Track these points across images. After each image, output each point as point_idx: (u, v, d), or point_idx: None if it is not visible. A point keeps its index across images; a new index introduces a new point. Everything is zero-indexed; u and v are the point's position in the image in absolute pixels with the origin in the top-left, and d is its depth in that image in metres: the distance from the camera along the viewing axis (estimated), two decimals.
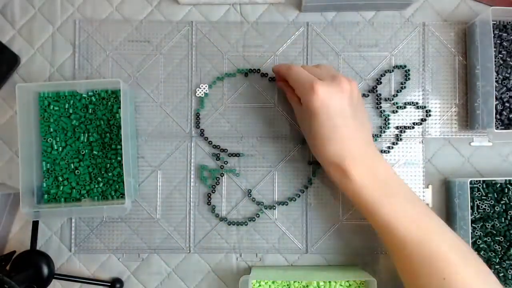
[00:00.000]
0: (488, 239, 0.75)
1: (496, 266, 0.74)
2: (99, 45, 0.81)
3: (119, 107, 0.75)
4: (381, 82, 0.80)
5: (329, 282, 0.74)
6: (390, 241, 0.65)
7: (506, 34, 0.76)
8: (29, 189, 0.74)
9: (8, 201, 0.77)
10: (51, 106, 0.76)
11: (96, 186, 0.76)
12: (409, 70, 0.80)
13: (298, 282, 0.74)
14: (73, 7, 0.81)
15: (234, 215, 0.80)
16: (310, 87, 0.63)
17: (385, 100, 0.80)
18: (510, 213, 0.75)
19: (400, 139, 0.80)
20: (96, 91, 0.77)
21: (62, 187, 0.76)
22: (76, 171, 0.76)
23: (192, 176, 0.80)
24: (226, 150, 0.80)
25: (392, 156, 0.80)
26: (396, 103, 0.80)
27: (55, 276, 0.76)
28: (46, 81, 0.81)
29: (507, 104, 0.75)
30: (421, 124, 0.80)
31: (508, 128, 0.75)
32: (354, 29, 0.81)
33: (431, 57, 0.81)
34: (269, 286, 0.74)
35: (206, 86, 0.80)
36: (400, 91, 0.80)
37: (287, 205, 0.79)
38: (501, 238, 0.74)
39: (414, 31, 0.81)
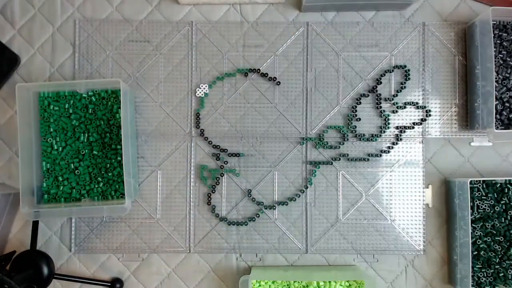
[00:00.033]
0: (488, 239, 0.75)
1: (496, 266, 0.74)
2: (99, 45, 0.81)
3: (119, 107, 0.75)
4: (381, 82, 0.80)
5: (329, 282, 0.74)
6: None
7: (506, 34, 0.76)
8: (29, 189, 0.74)
9: (8, 201, 0.77)
10: (51, 106, 0.76)
11: (96, 186, 0.76)
12: (409, 70, 0.80)
13: (298, 282, 0.74)
14: (73, 7, 0.81)
15: (234, 215, 0.80)
16: None
17: (385, 100, 0.80)
18: (510, 213, 0.75)
19: (400, 139, 0.80)
20: (96, 91, 0.77)
21: (62, 187, 0.76)
22: (76, 171, 0.76)
23: (192, 176, 0.80)
24: (226, 150, 0.80)
25: (392, 156, 0.80)
26: (396, 103, 0.80)
27: (55, 276, 0.76)
28: (46, 81, 0.81)
29: (507, 104, 0.75)
30: (421, 124, 0.80)
31: (508, 128, 0.75)
32: (354, 29, 0.81)
33: (431, 57, 0.81)
34: (269, 286, 0.74)
35: (206, 86, 0.80)
36: (400, 91, 0.80)
37: (287, 205, 0.79)
38: (501, 238, 0.74)
39: (414, 31, 0.81)
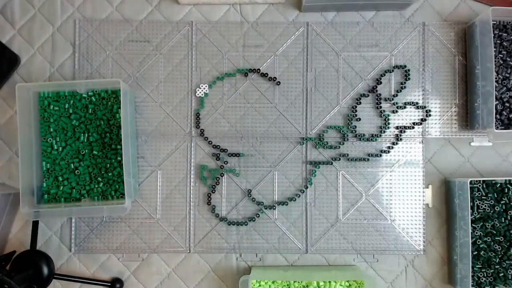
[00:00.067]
0: (488, 239, 0.75)
1: (496, 266, 0.74)
2: (99, 45, 0.81)
3: (119, 107, 0.75)
4: (381, 82, 0.80)
5: (329, 282, 0.74)
6: None
7: (506, 34, 0.76)
8: (29, 189, 0.74)
9: (8, 201, 0.77)
10: (51, 106, 0.76)
11: (96, 186, 0.76)
12: (409, 70, 0.80)
13: (298, 282, 0.74)
14: (73, 7, 0.81)
15: (234, 215, 0.80)
16: None
17: (385, 100, 0.80)
18: (510, 213, 0.75)
19: (400, 139, 0.80)
20: (96, 91, 0.77)
21: (62, 187, 0.76)
22: (76, 171, 0.76)
23: (192, 176, 0.80)
24: (226, 150, 0.80)
25: (392, 156, 0.80)
26: (396, 103, 0.80)
27: (55, 276, 0.76)
28: (46, 81, 0.81)
29: (507, 104, 0.75)
30: (421, 124, 0.80)
31: (508, 128, 0.75)
32: (354, 29, 0.81)
33: (431, 57, 0.81)
34: (269, 286, 0.74)
35: (206, 86, 0.80)
36: (400, 91, 0.80)
37: (287, 205, 0.79)
38: (501, 238, 0.74)
39: (414, 31, 0.81)
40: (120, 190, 0.76)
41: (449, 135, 0.80)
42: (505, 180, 0.75)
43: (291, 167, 0.80)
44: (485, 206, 0.75)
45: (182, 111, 0.80)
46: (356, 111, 0.80)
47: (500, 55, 0.75)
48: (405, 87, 0.80)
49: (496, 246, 0.74)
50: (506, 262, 0.75)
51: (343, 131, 0.80)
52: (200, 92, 0.80)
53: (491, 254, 0.75)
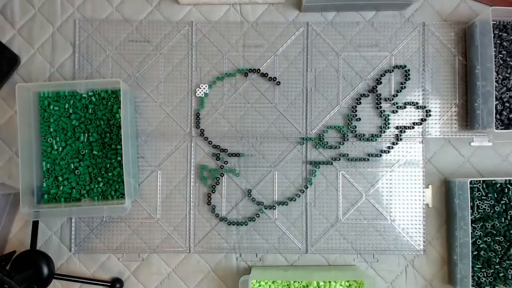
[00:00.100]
0: (488, 239, 0.75)
1: (496, 266, 0.74)
2: (99, 45, 0.81)
3: (119, 107, 0.75)
4: (381, 82, 0.80)
5: (329, 282, 0.74)
6: None
7: (506, 34, 0.76)
8: (29, 189, 0.74)
9: (8, 201, 0.77)
10: (51, 106, 0.76)
11: (96, 186, 0.76)
12: (409, 70, 0.80)
13: (298, 282, 0.74)
14: (73, 7, 0.81)
15: (234, 215, 0.80)
16: None
17: (385, 100, 0.80)
18: (510, 213, 0.75)
19: (400, 139, 0.80)
20: (96, 91, 0.77)
21: (62, 187, 0.76)
22: (76, 171, 0.76)
23: (192, 176, 0.80)
24: (226, 150, 0.80)
25: (392, 156, 0.80)
26: (396, 103, 0.80)
27: (55, 276, 0.76)
28: (46, 81, 0.81)
29: (507, 104, 0.75)
30: (421, 124, 0.80)
31: (508, 128, 0.75)
32: (354, 29, 0.81)
33: (431, 57, 0.81)
34: (269, 286, 0.74)
35: (206, 86, 0.80)
36: (400, 91, 0.80)
37: (287, 205, 0.79)
38: (501, 238, 0.74)
39: (414, 31, 0.81)
40: (120, 190, 0.76)
41: (449, 135, 0.80)
42: (505, 180, 0.75)
43: (291, 167, 0.80)
44: (485, 206, 0.75)
45: (182, 111, 0.80)
46: (356, 111, 0.80)
47: (500, 55, 0.76)
48: (405, 87, 0.80)
49: (496, 246, 0.74)
50: (506, 262, 0.75)
51: (343, 131, 0.80)
52: (200, 92, 0.80)
53: (491, 254, 0.75)
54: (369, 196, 0.79)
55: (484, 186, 0.75)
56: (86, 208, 0.74)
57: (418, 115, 0.80)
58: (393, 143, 0.80)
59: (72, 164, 0.76)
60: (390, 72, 0.80)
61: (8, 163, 0.80)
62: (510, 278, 0.74)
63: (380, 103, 0.80)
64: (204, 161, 0.80)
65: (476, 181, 0.75)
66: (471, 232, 0.73)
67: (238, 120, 0.80)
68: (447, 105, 0.80)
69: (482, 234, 0.75)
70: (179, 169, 0.80)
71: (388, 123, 0.80)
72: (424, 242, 0.79)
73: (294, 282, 0.74)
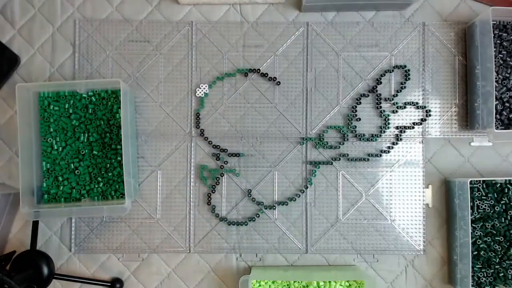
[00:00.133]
0: (488, 239, 0.75)
1: (496, 266, 0.74)
2: (99, 45, 0.81)
3: (119, 107, 0.75)
4: (381, 82, 0.80)
5: (329, 282, 0.74)
6: None
7: (506, 34, 0.76)
8: (29, 189, 0.74)
9: (8, 201, 0.77)
10: (51, 106, 0.76)
11: (96, 186, 0.76)
12: (409, 70, 0.80)
13: (298, 282, 0.74)
14: (73, 7, 0.81)
15: (234, 215, 0.80)
16: None
17: (385, 100, 0.80)
18: (510, 213, 0.75)
19: (400, 139, 0.80)
20: (96, 91, 0.77)
21: (62, 187, 0.76)
22: (76, 171, 0.76)
23: (192, 176, 0.80)
24: (226, 150, 0.80)
25: (392, 156, 0.80)
26: (396, 103, 0.80)
27: (55, 276, 0.76)
28: (46, 81, 0.81)
29: (507, 104, 0.75)
30: (421, 124, 0.80)
31: (508, 128, 0.75)
32: (354, 29, 0.81)
33: (431, 57, 0.81)
34: (269, 286, 0.74)
35: (206, 86, 0.80)
36: (400, 91, 0.80)
37: (287, 205, 0.79)
38: (501, 238, 0.74)
39: (414, 31, 0.81)
40: (120, 190, 0.76)
41: (449, 135, 0.80)
42: (505, 180, 0.75)
43: (291, 167, 0.80)
44: (485, 206, 0.75)
45: (182, 111, 0.80)
46: (356, 111, 0.80)
47: (500, 55, 0.76)
48: (405, 87, 0.80)
49: (496, 246, 0.74)
50: (506, 262, 0.75)
51: (343, 131, 0.80)
52: (200, 92, 0.80)
53: (491, 254, 0.75)
54: (369, 196, 0.79)
55: (484, 186, 0.75)
56: (86, 208, 0.74)
57: (418, 115, 0.80)
58: (393, 143, 0.80)
59: (72, 164, 0.76)
60: (390, 72, 0.80)
61: (8, 163, 0.80)
62: (510, 278, 0.74)
63: (380, 103, 0.80)
64: (204, 161, 0.80)
65: (476, 181, 0.75)
66: (471, 232, 0.73)
67: (238, 120, 0.80)
68: (447, 105, 0.80)
69: (482, 234, 0.75)
70: (179, 169, 0.80)
71: (388, 123, 0.80)
72: (424, 242, 0.79)
73: (294, 282, 0.74)
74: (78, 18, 0.81)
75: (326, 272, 0.77)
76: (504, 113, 0.75)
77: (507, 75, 0.75)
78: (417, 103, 0.80)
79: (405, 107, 0.80)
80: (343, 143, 0.80)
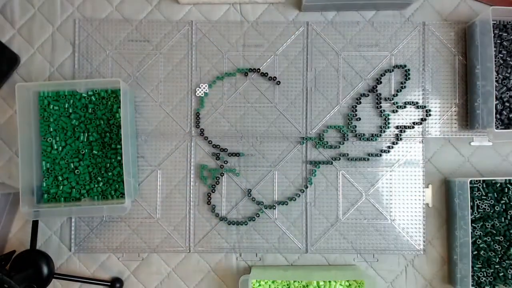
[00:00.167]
0: (488, 239, 0.75)
1: (496, 266, 0.74)
2: (99, 44, 0.81)
3: (119, 107, 0.75)
4: (381, 82, 0.80)
5: (329, 282, 0.74)
6: None
7: (506, 34, 0.76)
8: (29, 189, 0.74)
9: (8, 201, 0.77)
10: (51, 106, 0.76)
11: (96, 185, 0.76)
12: (409, 70, 0.80)
13: (298, 282, 0.74)
14: (73, 7, 0.81)
15: (234, 215, 0.80)
16: None
17: (385, 99, 0.80)
18: (510, 213, 0.75)
19: (400, 139, 0.80)
20: (96, 91, 0.77)
21: (62, 186, 0.76)
22: (76, 170, 0.76)
23: (192, 176, 0.80)
24: (226, 150, 0.80)
25: (392, 156, 0.80)
26: (396, 102, 0.80)
27: (55, 275, 0.76)
28: (46, 80, 0.81)
29: (507, 104, 0.75)
30: (421, 124, 0.80)
31: (508, 128, 0.75)
32: (354, 29, 0.81)
33: (431, 57, 0.81)
34: (269, 286, 0.74)
35: (206, 86, 0.80)
36: (400, 91, 0.80)
37: (287, 204, 0.79)
38: (501, 238, 0.74)
39: (414, 31, 0.81)
40: (120, 189, 0.76)
41: (449, 135, 0.80)
42: (505, 180, 0.75)
43: (291, 167, 0.80)
44: (485, 206, 0.75)
45: (182, 110, 0.80)
46: (356, 110, 0.80)
47: (500, 55, 0.75)
48: (405, 87, 0.80)
49: (496, 246, 0.74)
50: (506, 262, 0.75)
51: (343, 131, 0.80)
52: (200, 92, 0.80)
53: (491, 254, 0.75)
54: (369, 196, 0.79)
55: (484, 186, 0.75)
56: (86, 207, 0.74)
57: (418, 115, 0.80)
58: (393, 143, 0.80)
59: (72, 164, 0.76)
60: (390, 71, 0.80)
61: (8, 163, 0.80)
62: (510, 278, 0.74)
63: (380, 102, 0.80)
64: (204, 161, 0.80)
65: (476, 181, 0.75)
66: (471, 232, 0.73)
67: (238, 120, 0.80)
68: (447, 105, 0.80)
69: (482, 234, 0.75)
70: (179, 168, 0.80)
71: (388, 123, 0.80)
72: (424, 242, 0.79)
73: (294, 282, 0.74)
74: (78, 17, 0.81)
75: (326, 272, 0.77)
76: (504, 113, 0.75)
77: (507, 74, 0.75)
78: (417, 103, 0.80)
79: (405, 107, 0.80)
80: (343, 143, 0.80)
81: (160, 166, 0.80)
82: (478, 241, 0.74)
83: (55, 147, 0.76)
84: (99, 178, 0.76)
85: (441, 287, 0.79)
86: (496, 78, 0.74)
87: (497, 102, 0.75)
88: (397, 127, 0.80)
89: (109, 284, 0.78)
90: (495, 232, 0.75)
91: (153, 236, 0.79)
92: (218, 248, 0.79)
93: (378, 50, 0.81)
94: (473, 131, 0.79)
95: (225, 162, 0.80)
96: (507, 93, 0.75)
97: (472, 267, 0.73)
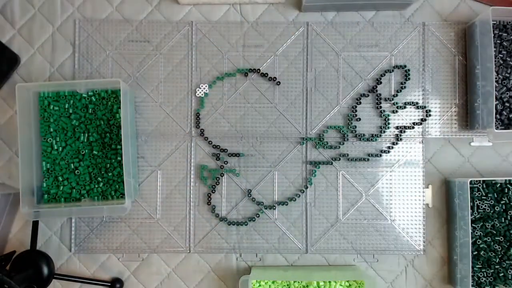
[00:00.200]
0: (488, 239, 0.75)
1: (496, 266, 0.74)
2: (99, 45, 0.81)
3: (119, 107, 0.75)
4: (381, 82, 0.80)
5: (329, 282, 0.74)
6: None
7: (506, 34, 0.76)
8: (29, 189, 0.74)
9: (8, 201, 0.77)
10: (51, 106, 0.76)
11: (96, 186, 0.76)
12: (409, 70, 0.80)
13: (298, 282, 0.74)
14: (73, 7, 0.81)
15: (234, 215, 0.80)
16: None
17: (385, 100, 0.80)
18: (510, 213, 0.75)
19: (400, 139, 0.80)
20: (96, 91, 0.77)
21: (62, 187, 0.76)
22: (76, 171, 0.76)
23: (192, 176, 0.80)
24: (226, 150, 0.80)
25: (392, 156, 0.80)
26: (396, 103, 0.80)
27: (55, 276, 0.76)
28: (46, 81, 0.81)
29: (507, 104, 0.75)
30: (421, 124, 0.80)
31: (508, 128, 0.75)
32: (354, 29, 0.81)
33: (431, 57, 0.81)
34: (269, 286, 0.74)
35: (206, 86, 0.80)
36: (400, 91, 0.80)
37: (287, 205, 0.79)
38: (501, 238, 0.74)
39: (414, 31, 0.81)
40: (120, 190, 0.76)
41: (449, 135, 0.80)
42: (505, 180, 0.75)
43: (291, 167, 0.80)
44: (485, 206, 0.75)
45: (182, 111, 0.80)
46: (356, 111, 0.80)
47: (500, 55, 0.76)
48: (405, 87, 0.80)
49: (496, 246, 0.74)
50: (506, 262, 0.75)
51: (343, 131, 0.80)
52: (200, 92, 0.80)
53: (491, 254, 0.75)
54: (369, 196, 0.79)
55: (484, 186, 0.75)
56: (86, 208, 0.74)
57: (418, 115, 0.80)
58: (393, 143, 0.80)
59: (72, 164, 0.76)
60: (390, 72, 0.80)
61: (8, 163, 0.80)
62: (510, 278, 0.74)
63: (380, 103, 0.80)
64: (204, 161, 0.80)
65: (476, 181, 0.75)
66: (471, 232, 0.73)
67: (238, 120, 0.80)
68: (447, 105, 0.80)
69: (482, 234, 0.75)
70: (179, 169, 0.80)
71: (388, 123, 0.80)
72: (424, 242, 0.79)
73: (294, 282, 0.74)
74: (78, 18, 0.81)
75: (326, 272, 0.77)
76: (504, 113, 0.75)
77: (507, 75, 0.75)
78: (417, 103, 0.80)
79: (405, 107, 0.80)
80: (343, 143, 0.80)
81: (160, 166, 0.80)
82: (478, 242, 0.74)
83: (55, 148, 0.76)
84: (99, 179, 0.76)
85: None
86: (496, 78, 0.74)
87: (497, 102, 0.75)
88: (397, 128, 0.80)
89: (109, 284, 0.78)
90: (495, 232, 0.75)
91: (153, 236, 0.79)
92: (218, 248, 0.80)
93: (378, 50, 0.81)
94: (473, 131, 0.79)
95: (225, 162, 0.80)
96: (507, 93, 0.75)
97: (472, 267, 0.73)
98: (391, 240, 0.79)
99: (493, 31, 0.74)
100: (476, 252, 0.74)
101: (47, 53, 0.81)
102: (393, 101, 0.80)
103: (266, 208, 0.79)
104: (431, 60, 0.81)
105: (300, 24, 0.81)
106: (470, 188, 0.73)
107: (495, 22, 0.76)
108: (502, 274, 0.74)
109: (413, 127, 0.80)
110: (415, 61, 0.81)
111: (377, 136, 0.80)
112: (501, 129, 0.75)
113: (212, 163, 0.80)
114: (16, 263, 0.74)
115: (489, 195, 0.75)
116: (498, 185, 0.75)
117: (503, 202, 0.75)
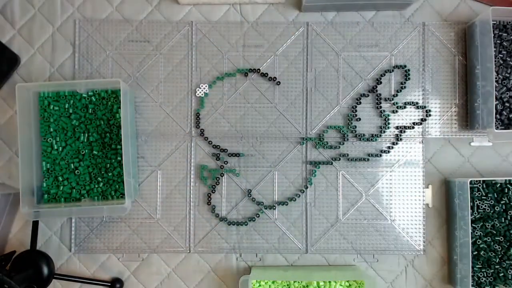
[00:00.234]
0: (488, 239, 0.75)
1: (496, 266, 0.74)
2: (99, 45, 0.81)
3: (119, 107, 0.75)
4: (381, 82, 0.80)
5: (329, 282, 0.74)
6: None
7: (506, 34, 0.76)
8: (29, 189, 0.74)
9: (8, 201, 0.77)
10: (51, 106, 0.76)
11: (96, 186, 0.76)
12: (409, 70, 0.80)
13: (298, 282, 0.74)
14: (73, 7, 0.81)
15: (234, 215, 0.80)
16: None
17: (385, 100, 0.80)
18: (510, 213, 0.75)
19: (400, 139, 0.80)
20: (96, 91, 0.77)
21: (62, 187, 0.76)
22: (76, 171, 0.76)
23: (192, 176, 0.80)
24: (226, 150, 0.80)
25: (392, 156, 0.80)
26: (396, 103, 0.80)
27: (55, 276, 0.76)
28: (46, 81, 0.81)
29: (507, 104, 0.75)
30: (421, 124, 0.80)
31: (508, 128, 0.75)
32: (354, 29, 0.81)
33: (431, 57, 0.81)
34: (269, 286, 0.74)
35: (206, 86, 0.80)
36: (400, 91, 0.80)
37: (287, 205, 0.79)
38: (501, 238, 0.74)
39: (414, 31, 0.81)
40: (120, 190, 0.76)
41: (449, 135, 0.80)
42: (505, 180, 0.75)
43: (291, 167, 0.80)
44: (485, 206, 0.75)
45: (182, 111, 0.80)
46: (356, 111, 0.80)
47: (500, 55, 0.76)
48: (405, 87, 0.80)
49: (496, 246, 0.74)
50: (506, 262, 0.75)
51: (343, 131, 0.80)
52: (200, 92, 0.80)
53: (491, 254, 0.75)
54: (369, 196, 0.79)
55: (484, 186, 0.75)
56: (86, 208, 0.74)
57: (418, 115, 0.80)
58: (393, 143, 0.80)
59: (72, 164, 0.76)
60: (390, 72, 0.80)
61: (8, 163, 0.80)
62: (510, 278, 0.74)
63: (380, 103, 0.80)
64: (204, 161, 0.80)
65: (476, 181, 0.75)
66: (471, 232, 0.73)
67: (238, 120, 0.80)
68: (447, 105, 0.80)
69: (482, 234, 0.75)
70: (179, 169, 0.80)
71: (388, 123, 0.80)
72: (424, 242, 0.79)
73: (294, 282, 0.74)
74: (78, 18, 0.81)
75: (326, 272, 0.77)
76: (504, 113, 0.75)
77: (507, 75, 0.75)
78: (417, 103, 0.80)
79: (405, 107, 0.80)
80: (343, 143, 0.80)
81: (160, 166, 0.80)
82: (478, 242, 0.74)
83: (55, 148, 0.76)
84: (99, 179, 0.76)
85: None
86: (496, 78, 0.74)
87: (497, 102, 0.75)
88: (397, 128, 0.80)
89: (109, 284, 0.78)
90: (495, 232, 0.75)
91: (153, 236, 0.80)
92: (218, 248, 0.80)
93: (378, 50, 0.81)
94: (473, 131, 0.79)
95: (225, 162, 0.80)
96: (507, 93, 0.75)
97: (472, 267, 0.73)
98: (391, 240, 0.79)
99: (493, 31, 0.74)
100: (476, 252, 0.74)
101: (47, 53, 0.81)
102: (393, 101, 0.80)
103: (266, 208, 0.79)
104: (431, 60, 0.81)
105: (300, 24, 0.81)
106: (470, 188, 0.73)
107: (495, 22, 0.76)
108: (502, 274, 0.74)
109: (413, 127, 0.80)
110: (415, 61, 0.81)
111: (377, 136, 0.80)
112: (501, 129, 0.75)
113: (212, 163, 0.80)
114: (16, 263, 0.74)
115: (489, 195, 0.75)
116: (498, 185, 0.75)
117: (503, 202, 0.75)
